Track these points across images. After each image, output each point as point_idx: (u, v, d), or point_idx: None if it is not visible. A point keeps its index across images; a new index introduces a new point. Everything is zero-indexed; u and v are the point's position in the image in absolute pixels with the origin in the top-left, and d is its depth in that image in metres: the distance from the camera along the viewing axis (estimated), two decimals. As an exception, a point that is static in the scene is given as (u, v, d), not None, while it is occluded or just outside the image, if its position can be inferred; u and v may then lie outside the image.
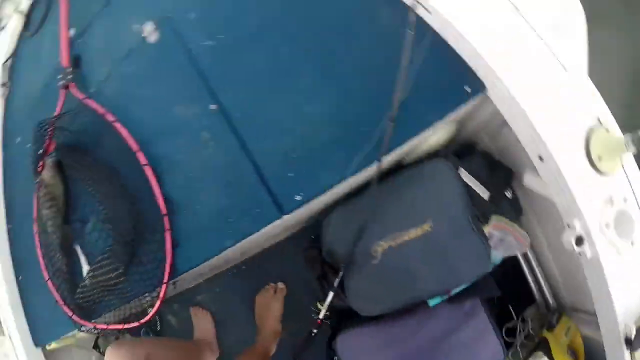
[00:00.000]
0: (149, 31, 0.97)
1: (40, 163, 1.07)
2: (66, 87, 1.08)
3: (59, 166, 1.10)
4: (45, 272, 1.10)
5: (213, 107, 0.85)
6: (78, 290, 1.02)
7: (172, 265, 0.88)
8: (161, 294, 0.90)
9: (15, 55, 1.33)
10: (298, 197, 0.78)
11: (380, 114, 0.69)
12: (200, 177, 0.87)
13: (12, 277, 1.25)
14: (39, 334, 1.21)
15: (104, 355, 1.40)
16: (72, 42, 1.13)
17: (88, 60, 1.11)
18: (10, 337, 1.22)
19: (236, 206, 0.82)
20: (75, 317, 1.03)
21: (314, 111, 0.77)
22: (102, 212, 0.96)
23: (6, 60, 1.32)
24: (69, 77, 1.08)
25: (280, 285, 1.27)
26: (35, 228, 1.13)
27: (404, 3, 0.67)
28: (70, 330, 1.16)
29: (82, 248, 1.06)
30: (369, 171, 0.74)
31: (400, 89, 0.66)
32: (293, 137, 0.78)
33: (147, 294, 0.92)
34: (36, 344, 1.21)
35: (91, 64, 1.10)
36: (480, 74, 0.65)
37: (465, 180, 0.80)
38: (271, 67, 0.82)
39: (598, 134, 0.64)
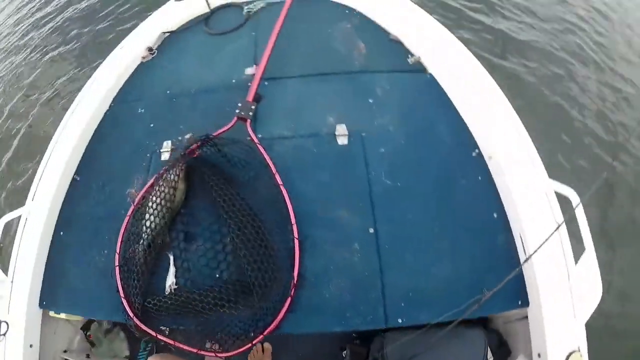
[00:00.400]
0: (341, 132, 1.11)
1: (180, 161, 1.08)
2: (243, 119, 1.12)
3: (188, 173, 1.12)
4: (118, 257, 1.08)
5: (371, 230, 1.08)
6: (156, 297, 1.04)
7: (278, 325, 1.03)
8: (255, 340, 1.01)
9: (176, 33, 1.26)
10: (399, 320, 1.06)
11: (471, 294, 1.03)
12: (336, 272, 1.06)
13: (52, 224, 1.14)
14: (52, 298, 1.13)
15: (87, 339, 1.33)
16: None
17: (266, 106, 1.16)
18: (12, 281, 1.10)
19: (355, 306, 1.05)
20: (136, 319, 1.03)
21: (436, 272, 1.08)
22: (234, 248, 1.03)
23: (167, 32, 1.24)
24: (250, 113, 1.12)
25: (266, 345, 1.45)
26: (131, 209, 1.10)
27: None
28: (96, 316, 1.12)
29: (175, 260, 1.08)
30: None
31: (492, 293, 1.03)
32: (414, 282, 1.07)
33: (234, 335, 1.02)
34: (41, 306, 1.13)
35: (269, 112, 1.15)
36: (531, 299, 1.07)
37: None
38: (425, 226, 1.09)
39: (575, 356, 1.09)
